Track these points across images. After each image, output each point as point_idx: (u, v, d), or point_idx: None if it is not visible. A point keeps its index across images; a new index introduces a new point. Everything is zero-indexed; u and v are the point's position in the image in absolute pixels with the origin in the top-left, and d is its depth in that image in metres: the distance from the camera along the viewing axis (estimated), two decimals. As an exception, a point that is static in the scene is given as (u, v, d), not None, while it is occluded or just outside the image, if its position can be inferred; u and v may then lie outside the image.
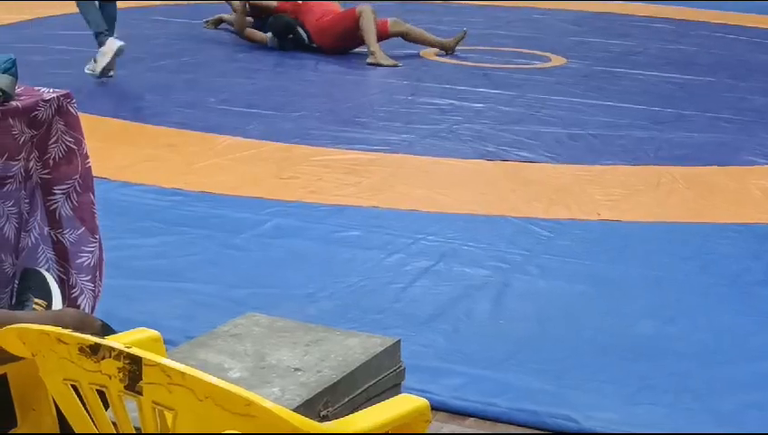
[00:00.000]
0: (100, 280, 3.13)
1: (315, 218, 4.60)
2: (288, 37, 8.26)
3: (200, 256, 4.17)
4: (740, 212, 4.90)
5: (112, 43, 6.95)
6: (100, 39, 6.99)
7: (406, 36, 8.39)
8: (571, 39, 9.64)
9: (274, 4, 8.37)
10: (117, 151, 5.54)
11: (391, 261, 4.15)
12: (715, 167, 5.64)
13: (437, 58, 8.39)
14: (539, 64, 8.35)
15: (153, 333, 2.17)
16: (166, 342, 2.18)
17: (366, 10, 8.10)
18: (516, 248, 4.32)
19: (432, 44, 8.53)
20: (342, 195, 4.92)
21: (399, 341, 2.80)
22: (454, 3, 11.80)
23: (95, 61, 6.96)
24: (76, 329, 1.86)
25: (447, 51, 8.49)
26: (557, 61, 8.48)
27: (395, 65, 7.88)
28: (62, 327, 1.84)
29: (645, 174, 5.45)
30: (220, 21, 9.19)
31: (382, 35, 8.18)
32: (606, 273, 4.13)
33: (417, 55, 8.41)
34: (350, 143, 5.78)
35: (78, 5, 7.16)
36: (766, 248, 4.48)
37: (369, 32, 7.94)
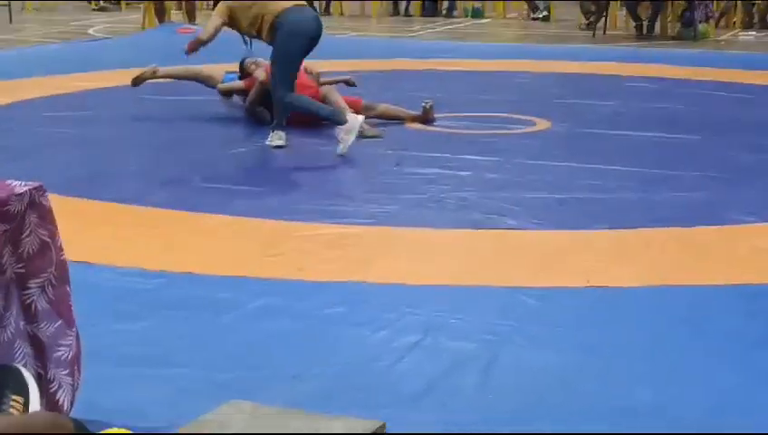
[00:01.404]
0: (79, 373, 3.07)
1: (300, 296, 4.54)
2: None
3: (184, 339, 4.10)
4: (731, 272, 4.85)
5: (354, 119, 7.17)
6: (338, 118, 7.25)
7: (381, 116, 8.33)
8: (555, 102, 9.64)
9: (263, 76, 8.24)
10: (98, 233, 5.49)
11: (377, 338, 4.08)
12: (704, 227, 5.59)
13: (422, 126, 8.37)
14: (524, 129, 8.33)
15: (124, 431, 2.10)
16: (151, 430, 2.13)
17: (329, 89, 8.05)
18: (504, 319, 4.26)
19: (409, 119, 8.45)
20: (328, 270, 4.86)
21: (384, 425, 2.74)
22: (437, 69, 11.81)
23: (339, 141, 7.16)
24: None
25: (426, 122, 8.42)
26: (542, 124, 8.46)
27: (377, 136, 7.83)
28: (33, 434, 1.78)
29: (633, 237, 5.41)
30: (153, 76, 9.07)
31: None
32: (597, 341, 4.06)
33: (402, 124, 8.38)
34: (336, 217, 5.73)
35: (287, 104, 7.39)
36: (760, 307, 4.42)
37: (338, 102, 7.90)
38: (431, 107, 8.48)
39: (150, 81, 9.04)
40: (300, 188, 6.47)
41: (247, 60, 8.51)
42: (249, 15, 7.39)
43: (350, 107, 7.99)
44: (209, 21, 7.58)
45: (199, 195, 6.28)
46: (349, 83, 8.85)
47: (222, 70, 9.07)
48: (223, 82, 8.88)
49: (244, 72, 8.59)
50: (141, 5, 17.68)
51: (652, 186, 6.44)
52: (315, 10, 7.62)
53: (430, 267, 4.94)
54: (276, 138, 7.47)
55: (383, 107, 8.47)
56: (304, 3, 7.58)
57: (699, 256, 5.11)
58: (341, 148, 7.17)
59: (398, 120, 8.41)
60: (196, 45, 7.43)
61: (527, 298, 4.49)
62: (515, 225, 5.61)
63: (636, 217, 5.75)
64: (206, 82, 8.98)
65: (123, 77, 10.77)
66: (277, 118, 7.51)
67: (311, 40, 7.39)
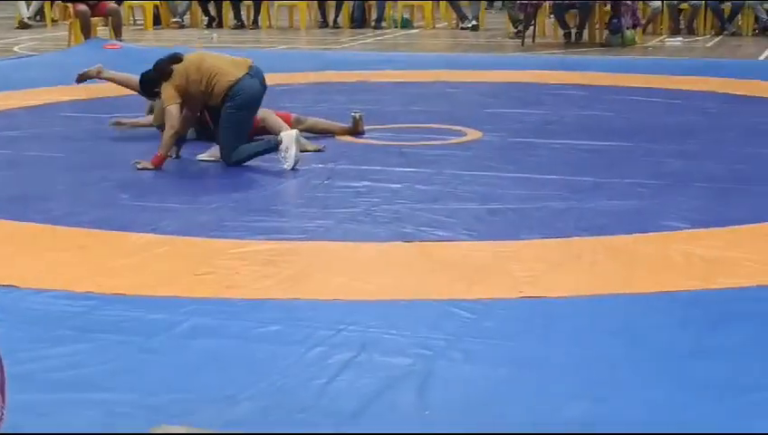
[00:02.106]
0: (4, 402, 3.00)
1: (232, 315, 4.48)
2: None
3: (115, 363, 4.02)
4: (663, 280, 4.86)
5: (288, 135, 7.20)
6: (274, 145, 7.28)
7: (311, 130, 8.28)
8: (486, 111, 9.65)
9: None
10: (26, 257, 5.40)
11: (312, 355, 4.04)
12: (636, 235, 5.61)
13: (353, 139, 8.33)
14: (455, 139, 8.33)
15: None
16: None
17: (265, 112, 7.98)
18: (439, 333, 4.23)
19: (340, 132, 8.42)
20: (260, 288, 4.81)
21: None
22: (368, 80, 11.80)
23: (283, 159, 7.19)
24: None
25: (356, 134, 8.40)
26: (473, 134, 8.46)
27: (318, 150, 7.81)
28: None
29: (565, 247, 5.41)
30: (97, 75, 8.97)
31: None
32: (531, 353, 4.06)
33: (333, 137, 8.33)
34: (267, 233, 5.68)
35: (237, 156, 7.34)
36: (692, 316, 4.44)
37: (276, 123, 7.85)
38: (361, 117, 8.46)
39: (94, 80, 8.94)
40: (230, 205, 6.40)
41: None
42: (200, 88, 7.32)
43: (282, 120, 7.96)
44: (166, 114, 7.32)
45: (128, 214, 6.20)
46: None
47: None
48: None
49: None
50: (67, 22, 17.51)
51: (583, 194, 6.46)
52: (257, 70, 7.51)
53: (364, 282, 4.91)
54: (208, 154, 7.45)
55: (312, 120, 8.42)
56: (247, 62, 7.48)
57: (632, 265, 5.11)
58: (287, 164, 7.17)
59: (328, 133, 8.35)
60: (161, 160, 7.25)
61: (461, 311, 4.47)
62: (448, 236, 5.59)
63: (567, 227, 5.75)
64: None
65: (50, 95, 10.71)
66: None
67: (258, 103, 7.49)
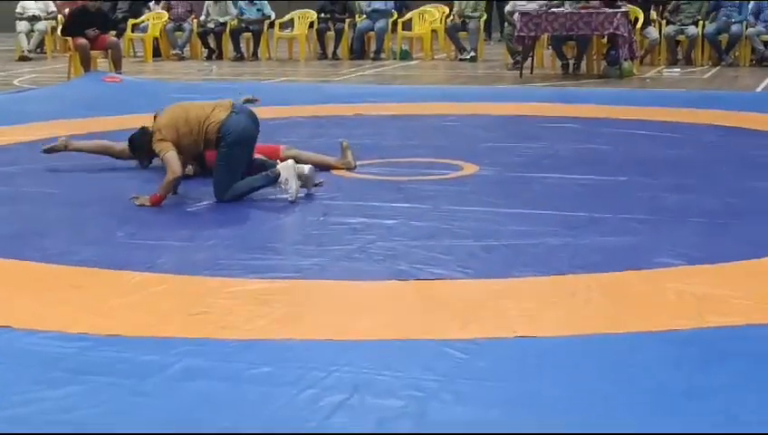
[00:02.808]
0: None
1: (225, 356, 4.48)
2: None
3: (106, 406, 4.03)
4: (657, 319, 4.86)
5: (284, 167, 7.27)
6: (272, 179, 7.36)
7: (298, 160, 8.28)
8: (483, 145, 9.68)
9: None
10: (22, 297, 5.41)
11: (304, 397, 4.04)
12: (631, 271, 5.61)
13: (349, 174, 8.35)
14: (451, 174, 8.34)
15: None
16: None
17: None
18: (432, 374, 4.24)
19: (329, 166, 8.42)
20: (253, 328, 4.81)
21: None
22: (366, 114, 11.84)
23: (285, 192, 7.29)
24: None
25: (348, 167, 8.41)
26: (469, 169, 8.48)
27: (318, 184, 7.81)
28: None
29: (559, 284, 5.42)
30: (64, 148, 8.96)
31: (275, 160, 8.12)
32: (524, 394, 4.06)
33: (329, 172, 8.34)
34: (262, 271, 5.69)
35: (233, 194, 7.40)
36: (686, 355, 4.44)
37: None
38: (347, 145, 8.47)
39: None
40: (225, 242, 6.40)
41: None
42: (193, 138, 7.39)
43: (270, 154, 7.96)
44: (165, 162, 7.35)
45: (124, 251, 6.21)
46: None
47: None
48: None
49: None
50: (67, 55, 17.58)
51: (578, 230, 6.47)
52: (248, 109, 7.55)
53: (357, 322, 4.91)
54: None
55: (305, 155, 8.39)
56: (229, 102, 7.51)
57: (626, 303, 5.12)
58: (290, 196, 7.24)
59: (321, 166, 8.33)
60: (159, 201, 7.30)
61: (454, 351, 4.47)
62: (442, 274, 5.60)
63: (562, 263, 5.76)
64: (119, 156, 8.78)
65: (49, 129, 10.73)
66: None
67: (253, 137, 7.50)
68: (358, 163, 8.56)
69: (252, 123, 7.42)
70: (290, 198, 7.24)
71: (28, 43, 20.89)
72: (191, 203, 7.47)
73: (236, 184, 7.38)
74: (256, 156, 7.71)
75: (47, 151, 8.87)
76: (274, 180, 7.31)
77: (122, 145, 8.83)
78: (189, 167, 8.11)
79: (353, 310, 5.12)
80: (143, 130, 7.72)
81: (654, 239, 6.26)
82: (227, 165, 7.38)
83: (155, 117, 8.24)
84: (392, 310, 5.13)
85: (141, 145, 7.69)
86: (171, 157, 7.29)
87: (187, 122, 7.37)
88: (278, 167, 7.31)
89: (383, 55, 19.80)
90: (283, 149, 8.30)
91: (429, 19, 20.43)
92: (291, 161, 7.34)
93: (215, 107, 7.47)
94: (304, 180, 7.38)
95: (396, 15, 20.16)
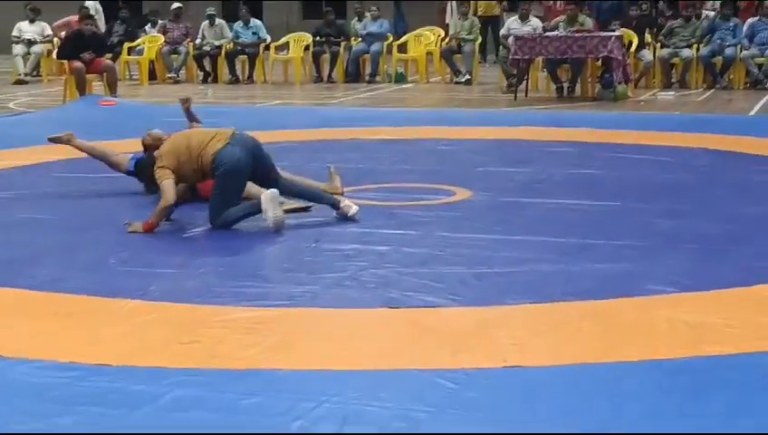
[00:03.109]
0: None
1: (216, 386, 4.47)
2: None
3: (96, 437, 4.03)
4: (648, 347, 4.86)
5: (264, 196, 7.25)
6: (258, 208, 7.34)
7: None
8: (476, 170, 9.69)
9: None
10: (12, 324, 5.41)
11: (293, 429, 4.03)
12: (623, 299, 5.61)
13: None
14: (444, 199, 8.34)
15: None
16: None
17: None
18: (422, 404, 4.23)
19: (325, 190, 8.34)
20: (243, 358, 4.80)
21: None
22: (360, 138, 11.85)
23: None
24: None
25: (335, 192, 8.31)
26: (462, 194, 8.48)
27: (303, 208, 7.80)
28: None
29: (551, 312, 5.41)
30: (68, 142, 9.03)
31: None
32: (515, 424, 4.05)
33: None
34: (253, 299, 5.68)
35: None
36: (676, 384, 4.43)
37: (253, 188, 7.88)
38: (335, 171, 8.45)
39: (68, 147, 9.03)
40: (217, 270, 6.40)
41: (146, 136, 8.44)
42: (193, 167, 7.42)
43: None
44: (162, 189, 7.35)
45: (116, 279, 6.20)
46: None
47: (128, 156, 8.90)
48: (129, 168, 8.75)
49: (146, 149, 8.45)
50: (63, 78, 17.59)
51: (570, 257, 6.46)
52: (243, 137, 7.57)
53: (348, 351, 4.90)
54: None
55: (297, 180, 8.32)
56: (228, 132, 7.50)
57: (618, 331, 5.11)
58: (270, 224, 7.20)
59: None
60: (152, 228, 7.29)
61: (445, 381, 4.46)
62: (434, 302, 5.59)
63: (554, 291, 5.75)
64: (115, 167, 8.83)
65: (43, 154, 10.72)
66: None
67: (252, 169, 7.47)
68: (353, 188, 8.55)
69: (245, 155, 7.40)
70: (272, 228, 7.21)
71: (24, 67, 20.91)
72: (183, 230, 7.47)
73: (227, 211, 7.38)
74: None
75: (51, 140, 9.03)
76: (259, 210, 7.31)
77: (119, 157, 8.84)
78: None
79: (344, 339, 5.11)
80: (150, 154, 7.72)
81: (647, 266, 6.25)
82: (221, 194, 7.39)
83: (142, 141, 8.28)
84: (383, 339, 5.13)
85: (146, 165, 7.72)
86: (167, 185, 7.31)
87: (188, 150, 7.40)
88: (261, 197, 7.28)
89: (378, 78, 19.83)
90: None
91: (425, 42, 20.47)
92: (270, 191, 7.28)
93: (214, 136, 7.47)
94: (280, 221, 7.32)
95: (391, 38, 20.21)
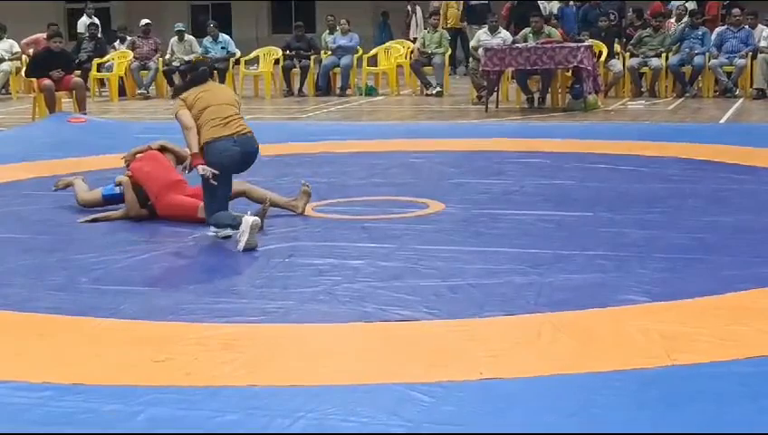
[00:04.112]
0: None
1: (190, 404, 4.44)
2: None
3: (70, 458, 4.00)
4: (621, 358, 4.86)
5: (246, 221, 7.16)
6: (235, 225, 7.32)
7: (248, 196, 8.22)
8: (449, 182, 9.70)
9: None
10: (-16, 346, 5.37)
11: (269, 446, 4.02)
12: (596, 309, 5.62)
13: (315, 214, 8.33)
14: (417, 212, 8.34)
15: None
16: None
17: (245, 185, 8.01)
18: (398, 419, 4.22)
19: (281, 206, 8.30)
20: (218, 375, 4.78)
21: None
22: (332, 151, 11.84)
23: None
24: None
25: (295, 211, 8.27)
26: (435, 206, 8.48)
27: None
28: None
29: (525, 324, 5.41)
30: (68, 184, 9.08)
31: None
32: (491, 438, 4.05)
33: (294, 212, 8.29)
34: (227, 316, 5.66)
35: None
36: (650, 395, 4.43)
37: (258, 193, 7.92)
38: (308, 187, 8.36)
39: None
40: (190, 287, 6.37)
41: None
42: (201, 121, 7.40)
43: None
44: (178, 119, 7.38)
45: (88, 298, 6.15)
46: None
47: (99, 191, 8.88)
48: (102, 194, 8.73)
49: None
50: (32, 96, 17.52)
51: (544, 268, 6.46)
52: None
53: (324, 366, 4.88)
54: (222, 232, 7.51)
55: (257, 192, 8.29)
56: (240, 128, 7.49)
57: (590, 342, 5.12)
58: (240, 248, 7.14)
59: (273, 205, 8.15)
60: (199, 158, 7.29)
61: (420, 395, 4.45)
62: (409, 316, 5.58)
63: (528, 302, 5.76)
64: (96, 205, 8.79)
65: (13, 172, 10.69)
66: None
67: (237, 166, 7.48)
68: (325, 202, 8.55)
69: (240, 157, 7.40)
70: (239, 248, 7.16)
71: (-7, 85, 20.84)
72: (154, 248, 7.43)
73: (218, 213, 7.38)
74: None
75: (58, 188, 9.11)
76: (237, 227, 7.26)
77: (95, 193, 8.79)
78: (143, 210, 8.14)
79: (319, 354, 5.09)
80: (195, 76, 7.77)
81: (620, 276, 6.27)
82: (206, 186, 7.35)
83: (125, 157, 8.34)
84: (358, 354, 5.11)
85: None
86: (182, 114, 7.34)
87: (199, 111, 7.36)
88: (243, 217, 7.23)
89: (349, 91, 19.85)
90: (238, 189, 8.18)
91: (395, 54, 20.52)
92: (253, 219, 7.19)
93: (226, 121, 7.43)
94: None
95: (361, 51, 20.23)
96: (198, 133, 7.30)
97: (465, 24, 22.17)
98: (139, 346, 5.26)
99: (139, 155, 8.56)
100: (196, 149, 7.28)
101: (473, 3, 22.21)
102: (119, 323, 5.62)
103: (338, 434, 4.08)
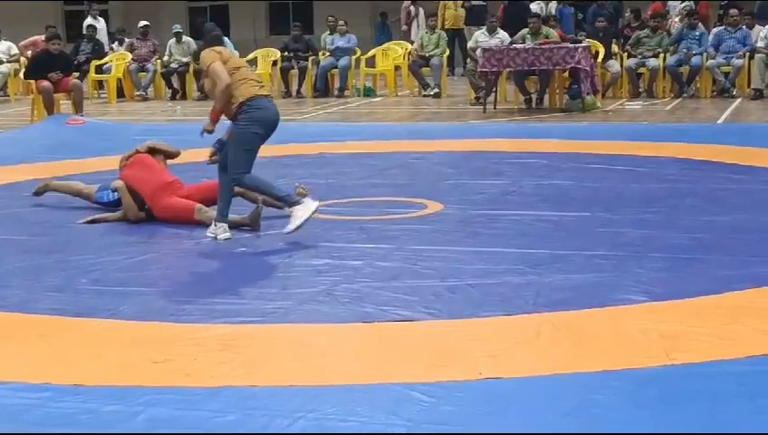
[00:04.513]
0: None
1: (189, 404, 4.45)
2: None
3: (70, 458, 4.00)
4: (620, 357, 4.87)
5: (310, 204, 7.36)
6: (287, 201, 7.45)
7: (243, 196, 8.15)
8: (447, 182, 9.71)
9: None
10: (-18, 346, 5.37)
11: (269, 445, 4.03)
12: (594, 309, 5.63)
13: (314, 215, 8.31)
14: (416, 212, 8.35)
15: None
16: None
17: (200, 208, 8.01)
18: (397, 419, 4.22)
19: (274, 205, 8.10)
20: (217, 375, 4.78)
21: None
22: (330, 152, 11.85)
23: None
24: None
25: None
26: (433, 207, 8.49)
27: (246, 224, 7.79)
28: None
29: (524, 324, 5.42)
30: (46, 189, 9.13)
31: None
32: (490, 437, 4.06)
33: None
34: (225, 316, 5.66)
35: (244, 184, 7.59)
36: (648, 395, 4.44)
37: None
38: (304, 189, 8.32)
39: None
40: (189, 287, 6.38)
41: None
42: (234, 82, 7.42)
43: (215, 190, 7.92)
44: (212, 72, 7.41)
45: (87, 299, 6.15)
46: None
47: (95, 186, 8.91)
48: (97, 199, 8.75)
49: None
50: (30, 97, 17.53)
51: (542, 268, 6.47)
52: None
53: (323, 366, 4.89)
54: (221, 230, 7.51)
55: (253, 193, 8.26)
56: (269, 89, 7.61)
57: (590, 342, 5.12)
58: (289, 227, 7.27)
59: (271, 205, 8.13)
60: (221, 106, 7.40)
61: (420, 395, 4.46)
62: (408, 316, 5.59)
63: (527, 303, 5.77)
64: (86, 199, 8.85)
65: (11, 174, 10.69)
66: (221, 207, 7.54)
67: (270, 131, 7.52)
68: (324, 203, 8.52)
69: (276, 116, 7.54)
70: (287, 228, 7.27)
71: (-9, 87, 20.85)
72: (152, 249, 7.44)
73: (259, 177, 7.48)
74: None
75: (36, 194, 9.14)
76: (288, 204, 7.39)
77: (88, 190, 8.84)
78: (141, 213, 8.14)
79: (318, 354, 5.10)
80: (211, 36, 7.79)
81: (618, 276, 6.28)
82: (242, 143, 7.39)
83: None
84: (357, 354, 5.12)
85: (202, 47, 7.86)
86: (218, 66, 7.36)
87: (232, 69, 7.44)
88: (305, 199, 7.40)
89: (347, 93, 19.86)
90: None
91: (392, 56, 20.52)
92: (316, 205, 7.37)
93: (259, 82, 7.64)
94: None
95: (359, 53, 20.23)
96: (231, 96, 7.38)
97: (466, 24, 22.16)
98: (138, 347, 5.27)
99: (131, 159, 8.53)
100: (220, 107, 7.39)
101: (471, 4, 22.23)
102: (118, 324, 5.62)
103: (337, 434, 4.08)
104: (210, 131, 7.44)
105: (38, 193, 9.15)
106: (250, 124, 7.35)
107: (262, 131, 7.41)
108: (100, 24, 22.85)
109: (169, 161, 8.70)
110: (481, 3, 22.09)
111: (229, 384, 4.68)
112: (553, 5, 21.93)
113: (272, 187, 7.53)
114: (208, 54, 7.47)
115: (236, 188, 7.98)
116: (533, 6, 20.92)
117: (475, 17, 21.54)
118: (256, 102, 7.38)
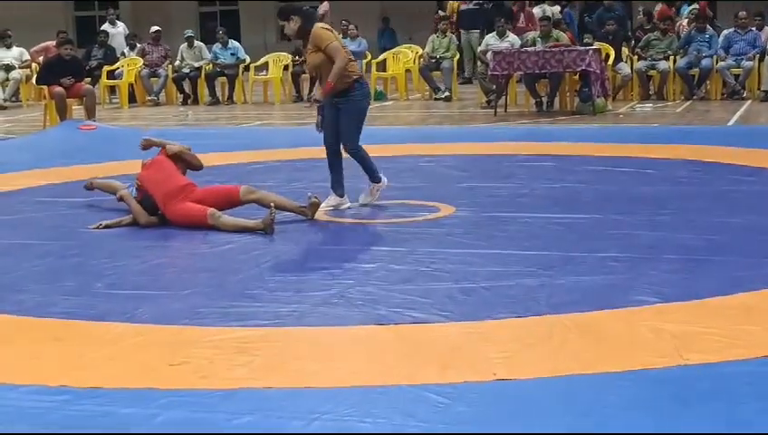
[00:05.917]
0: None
1: (206, 407, 4.49)
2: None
3: (89, 460, 4.04)
4: (633, 358, 4.89)
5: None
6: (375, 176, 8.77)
7: (259, 202, 8.23)
8: (459, 185, 9.74)
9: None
10: (2, 350, 5.40)
11: (286, 447, 4.07)
12: (607, 311, 5.66)
13: (327, 217, 8.38)
14: (428, 215, 8.38)
15: None
16: None
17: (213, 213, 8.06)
18: (413, 420, 4.26)
19: (289, 209, 8.32)
20: (234, 378, 4.82)
21: None
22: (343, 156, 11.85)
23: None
24: None
25: (305, 215, 8.29)
26: (446, 210, 8.52)
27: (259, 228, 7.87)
28: None
29: (537, 325, 5.45)
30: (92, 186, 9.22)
31: (234, 202, 8.17)
32: (505, 438, 4.09)
33: (305, 217, 8.33)
34: (241, 319, 5.70)
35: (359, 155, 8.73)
36: (660, 395, 4.46)
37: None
38: (317, 199, 8.37)
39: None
40: (204, 290, 6.40)
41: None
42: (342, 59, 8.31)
43: (228, 194, 7.99)
44: (333, 51, 8.31)
45: (103, 302, 6.20)
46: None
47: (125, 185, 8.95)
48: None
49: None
50: (42, 103, 17.60)
51: (555, 270, 6.50)
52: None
53: (338, 369, 4.93)
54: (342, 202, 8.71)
55: (268, 197, 8.26)
56: None
57: (602, 343, 5.15)
58: (365, 198, 8.74)
59: (283, 209, 8.22)
60: (335, 78, 8.26)
61: (435, 396, 4.49)
62: (421, 318, 5.62)
63: (539, 304, 5.80)
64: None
65: (25, 179, 10.75)
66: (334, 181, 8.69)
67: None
68: (335, 206, 8.60)
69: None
70: (361, 199, 8.65)
71: (3, 92, 20.91)
72: (168, 253, 7.48)
73: (366, 154, 8.70)
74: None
75: (86, 189, 9.40)
76: (376, 179, 8.75)
77: (124, 187, 8.83)
78: (153, 217, 8.19)
79: (333, 357, 5.14)
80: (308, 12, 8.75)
81: (630, 277, 6.30)
82: (359, 113, 8.57)
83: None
84: (372, 356, 5.15)
85: (293, 9, 8.64)
86: (338, 45, 8.38)
87: (345, 50, 8.44)
88: (384, 178, 8.74)
89: (358, 96, 19.83)
90: (242, 191, 8.24)
91: (403, 59, 20.56)
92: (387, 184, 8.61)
93: None
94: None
95: (370, 56, 20.27)
96: (347, 68, 8.37)
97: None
98: (155, 350, 5.31)
99: (147, 160, 8.57)
100: (335, 81, 8.24)
101: (463, 8, 22.20)
102: (134, 328, 5.66)
103: (353, 434, 4.12)
104: (320, 102, 8.42)
105: (88, 188, 9.34)
106: (363, 98, 8.53)
107: (367, 107, 8.65)
108: (119, 28, 22.90)
109: None
110: (473, 7, 21.99)
111: (245, 386, 4.71)
112: (556, 8, 21.87)
113: (366, 160, 8.69)
114: (325, 33, 8.34)
115: (251, 195, 8.04)
116: (536, 10, 20.91)
117: (468, 21, 21.57)
118: (363, 80, 8.54)
